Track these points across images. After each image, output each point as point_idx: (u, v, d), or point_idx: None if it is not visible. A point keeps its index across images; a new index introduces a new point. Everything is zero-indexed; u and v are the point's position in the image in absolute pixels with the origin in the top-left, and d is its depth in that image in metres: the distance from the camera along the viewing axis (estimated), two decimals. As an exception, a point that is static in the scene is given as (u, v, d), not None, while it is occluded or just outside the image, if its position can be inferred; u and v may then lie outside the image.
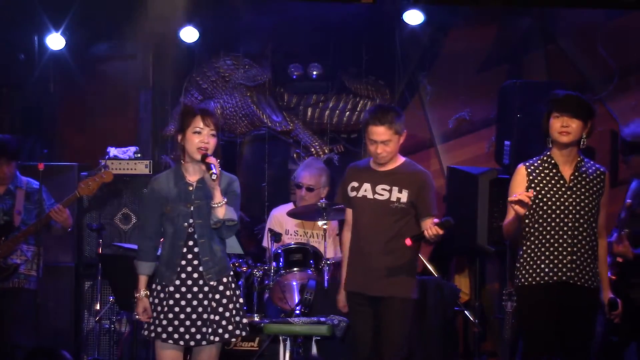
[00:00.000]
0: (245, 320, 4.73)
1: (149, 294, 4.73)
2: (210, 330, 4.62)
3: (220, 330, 4.64)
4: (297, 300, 5.94)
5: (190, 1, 7.54)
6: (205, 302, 4.64)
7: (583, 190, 4.69)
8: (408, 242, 4.86)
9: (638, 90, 7.61)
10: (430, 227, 4.81)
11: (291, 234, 6.66)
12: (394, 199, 5.11)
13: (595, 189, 4.71)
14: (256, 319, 5.98)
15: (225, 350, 5.94)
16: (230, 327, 4.66)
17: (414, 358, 6.45)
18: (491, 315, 7.35)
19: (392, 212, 5.09)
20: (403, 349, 5.11)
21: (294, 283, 6.07)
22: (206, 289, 4.66)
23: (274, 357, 5.79)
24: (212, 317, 4.63)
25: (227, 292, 4.68)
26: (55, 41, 7.67)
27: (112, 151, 7.27)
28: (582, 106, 4.71)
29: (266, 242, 6.49)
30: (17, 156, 6.30)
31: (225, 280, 4.70)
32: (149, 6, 7.35)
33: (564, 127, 4.66)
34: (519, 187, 4.72)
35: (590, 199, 4.68)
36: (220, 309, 4.65)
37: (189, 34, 7.70)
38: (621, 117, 7.51)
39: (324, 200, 6.13)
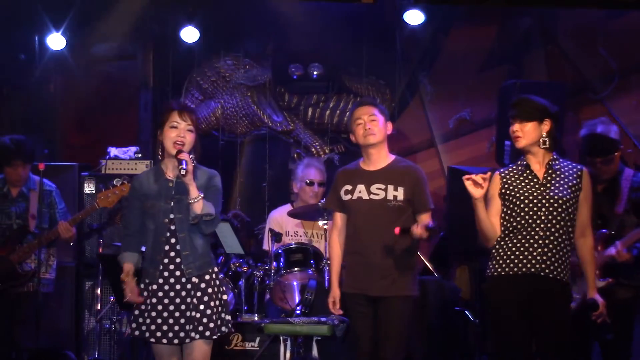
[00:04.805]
0: (228, 317, 4.71)
1: (135, 279, 4.66)
2: (192, 327, 4.59)
3: (201, 328, 4.60)
4: (297, 300, 5.93)
5: (191, 1, 7.55)
6: (188, 300, 4.62)
7: (557, 185, 4.70)
8: (397, 230, 4.87)
9: (638, 90, 7.61)
10: (421, 227, 4.82)
11: (291, 235, 6.64)
12: (390, 197, 5.08)
13: (570, 184, 4.72)
14: (256, 319, 5.99)
15: (226, 350, 5.95)
16: (212, 325, 4.62)
17: (415, 358, 6.46)
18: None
19: (389, 211, 5.05)
20: (403, 349, 5.08)
21: (295, 283, 6.06)
22: (189, 286, 4.63)
23: (274, 357, 5.78)
24: (194, 314, 4.60)
25: (209, 290, 4.65)
26: (56, 41, 7.68)
27: (113, 151, 7.27)
28: (530, 107, 4.71)
29: (266, 244, 6.47)
30: (32, 158, 6.23)
31: (207, 277, 4.67)
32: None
33: (514, 133, 4.74)
34: (493, 190, 4.75)
35: (565, 193, 4.68)
36: (202, 307, 4.62)
37: (189, 34, 7.70)
38: (621, 117, 7.52)
39: (323, 200, 6.12)
